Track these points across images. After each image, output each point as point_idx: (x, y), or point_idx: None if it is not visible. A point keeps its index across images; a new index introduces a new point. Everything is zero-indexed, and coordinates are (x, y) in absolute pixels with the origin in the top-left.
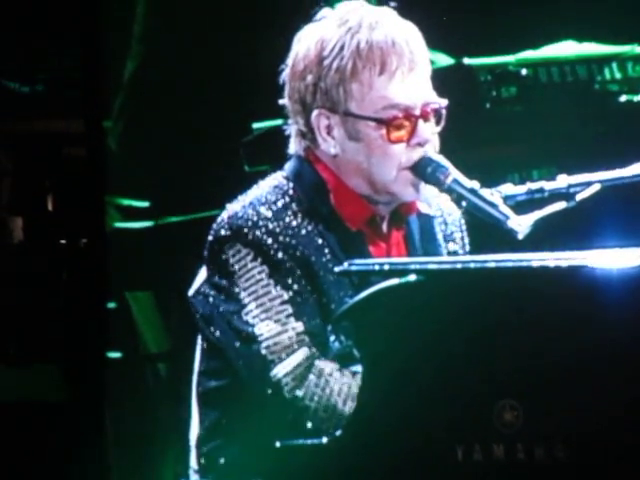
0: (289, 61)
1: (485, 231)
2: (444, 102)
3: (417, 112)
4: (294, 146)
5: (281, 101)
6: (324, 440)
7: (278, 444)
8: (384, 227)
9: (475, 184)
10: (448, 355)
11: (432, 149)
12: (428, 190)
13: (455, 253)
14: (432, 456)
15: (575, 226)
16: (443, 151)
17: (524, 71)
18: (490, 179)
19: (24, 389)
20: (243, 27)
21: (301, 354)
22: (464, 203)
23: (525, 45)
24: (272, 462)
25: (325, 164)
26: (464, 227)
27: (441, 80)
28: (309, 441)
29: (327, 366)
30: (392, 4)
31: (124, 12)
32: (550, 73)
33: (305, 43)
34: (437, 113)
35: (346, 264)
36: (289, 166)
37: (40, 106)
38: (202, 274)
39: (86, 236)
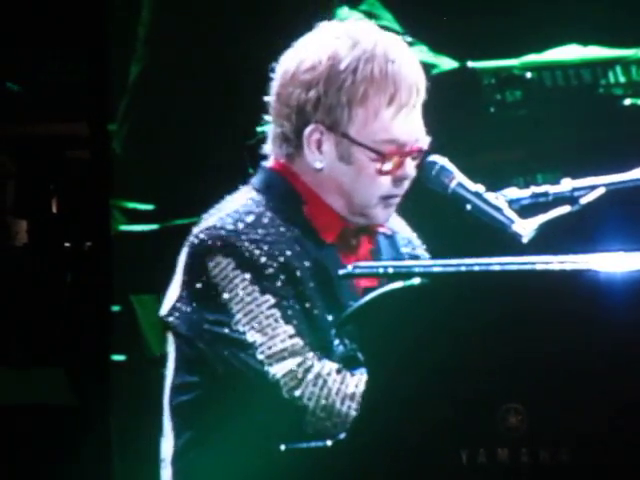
0: (288, 64)
1: (489, 235)
2: (428, 141)
3: (408, 149)
4: (273, 148)
5: (267, 98)
6: (328, 443)
7: (283, 447)
8: (354, 241)
9: (480, 188)
10: (452, 358)
11: (407, 184)
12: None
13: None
14: (436, 459)
15: (579, 230)
16: (447, 154)
17: (528, 75)
18: (494, 183)
19: (28, 392)
20: (247, 29)
21: (297, 355)
22: (468, 206)
23: (529, 49)
24: (275, 466)
25: (299, 175)
26: (419, 242)
27: (445, 84)
28: (313, 444)
29: (325, 366)
30: (408, 39)
31: (129, 15)
32: (554, 77)
33: (314, 53)
34: (421, 151)
35: (350, 267)
36: (256, 179)
37: (44, 109)
38: (173, 290)
39: (90, 239)
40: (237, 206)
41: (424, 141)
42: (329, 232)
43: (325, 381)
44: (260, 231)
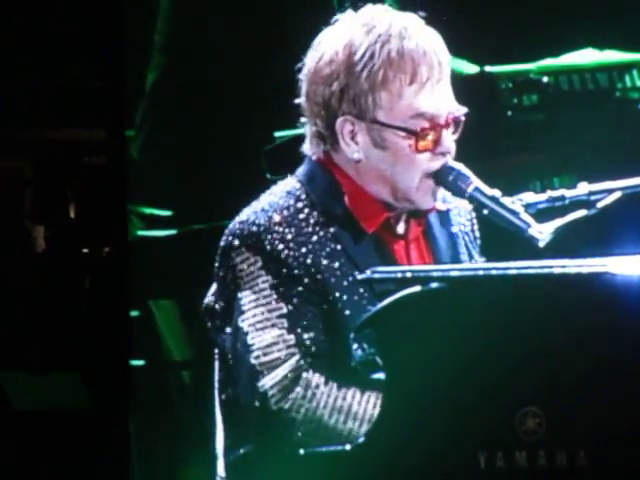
0: (310, 62)
1: (507, 238)
2: (464, 110)
3: (442, 122)
4: (311, 147)
5: (297, 100)
6: (347, 447)
7: (302, 451)
8: (401, 225)
9: (496, 192)
10: (470, 362)
11: (450, 158)
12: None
13: (470, 242)
14: (455, 463)
15: (596, 234)
16: (464, 159)
17: (545, 79)
18: (511, 187)
19: (48, 397)
20: (264, 34)
21: (288, 366)
22: (485, 211)
23: (546, 53)
24: (295, 469)
25: (341, 168)
26: (475, 220)
27: (463, 88)
28: (332, 448)
29: (314, 378)
30: (421, 13)
31: (146, 22)
32: (571, 81)
33: (331, 47)
34: (457, 122)
35: (369, 271)
36: (302, 170)
37: (62, 116)
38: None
39: (108, 244)
40: (276, 199)
41: (456, 111)
42: (371, 222)
43: (313, 394)
44: (293, 230)
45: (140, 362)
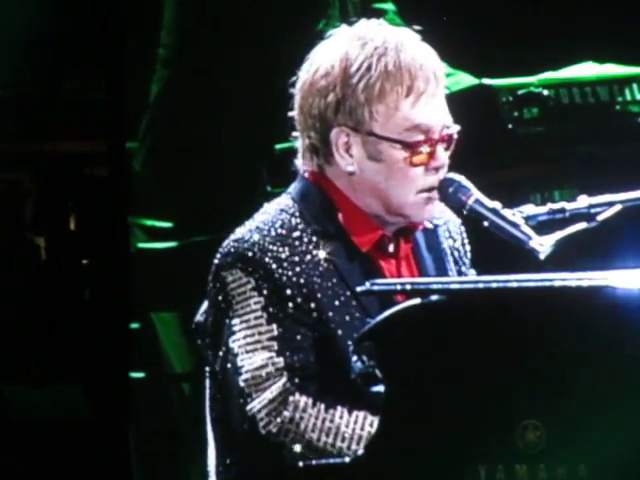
0: (305, 75)
1: (507, 251)
2: (457, 128)
3: (436, 136)
4: (304, 162)
5: (291, 113)
6: (346, 459)
7: (301, 464)
8: (392, 244)
9: (497, 204)
10: (469, 374)
11: (443, 174)
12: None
13: (460, 258)
14: (455, 476)
15: (596, 246)
16: (465, 171)
17: (546, 92)
18: (512, 199)
19: (48, 408)
20: (265, 48)
21: (275, 389)
22: (486, 223)
23: (546, 66)
24: None
25: (335, 184)
26: (465, 234)
27: (463, 101)
28: (331, 460)
29: (301, 400)
30: (416, 27)
31: (147, 34)
32: (571, 94)
33: (327, 60)
34: (451, 138)
35: (368, 284)
36: (295, 187)
37: (63, 127)
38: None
39: (110, 256)
40: (269, 217)
41: (452, 128)
42: (365, 241)
43: (301, 417)
44: (287, 249)
45: (140, 374)
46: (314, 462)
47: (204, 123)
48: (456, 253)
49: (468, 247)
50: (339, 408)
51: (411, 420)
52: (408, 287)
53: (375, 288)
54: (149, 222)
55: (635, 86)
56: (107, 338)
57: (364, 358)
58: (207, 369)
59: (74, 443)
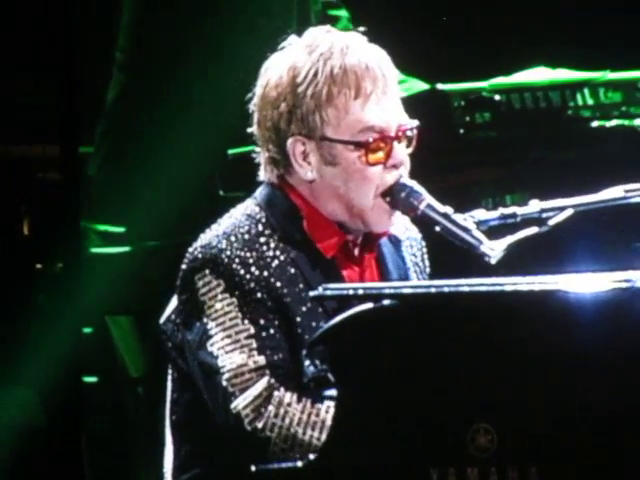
0: (258, 90)
1: (458, 255)
2: (415, 123)
3: (392, 134)
4: (265, 174)
5: (250, 129)
6: (299, 464)
7: (253, 468)
8: (356, 252)
9: (448, 209)
10: (421, 379)
11: (405, 171)
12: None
13: (420, 273)
14: (407, 479)
15: (548, 251)
16: (417, 176)
17: (497, 97)
18: (463, 204)
19: (1, 414)
20: (218, 54)
21: (260, 386)
22: (437, 228)
23: (498, 71)
24: None
25: (298, 191)
26: (425, 250)
27: (415, 105)
28: (284, 464)
29: (286, 396)
30: (360, 29)
31: (100, 38)
32: (523, 99)
33: (276, 71)
34: (409, 135)
35: (320, 288)
36: (260, 193)
37: (14, 132)
38: (174, 302)
39: (62, 261)
40: (235, 222)
41: (407, 124)
42: (329, 246)
43: (286, 412)
44: (254, 253)
45: (93, 379)
46: (268, 466)
47: (158, 128)
48: (417, 268)
49: (427, 262)
50: (325, 402)
51: (362, 424)
52: (360, 292)
53: (328, 293)
54: (102, 227)
55: (587, 91)
56: (60, 342)
57: (317, 362)
58: (169, 372)
59: (26, 448)
